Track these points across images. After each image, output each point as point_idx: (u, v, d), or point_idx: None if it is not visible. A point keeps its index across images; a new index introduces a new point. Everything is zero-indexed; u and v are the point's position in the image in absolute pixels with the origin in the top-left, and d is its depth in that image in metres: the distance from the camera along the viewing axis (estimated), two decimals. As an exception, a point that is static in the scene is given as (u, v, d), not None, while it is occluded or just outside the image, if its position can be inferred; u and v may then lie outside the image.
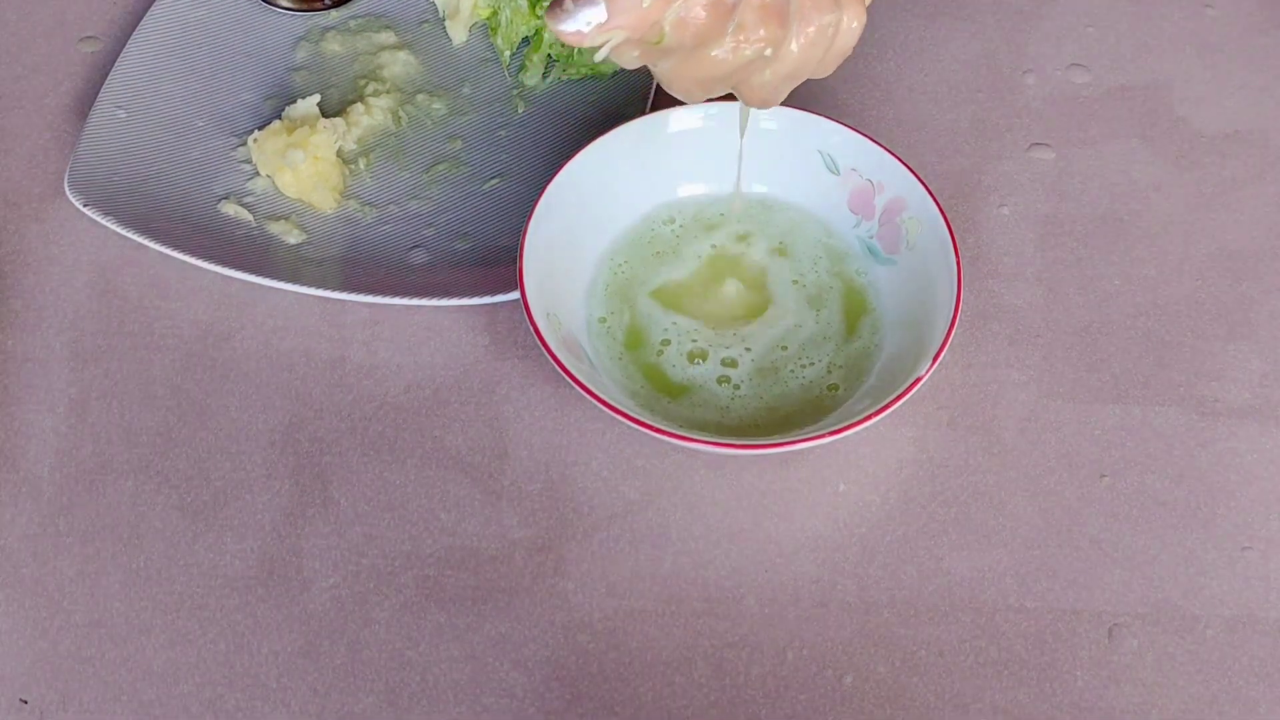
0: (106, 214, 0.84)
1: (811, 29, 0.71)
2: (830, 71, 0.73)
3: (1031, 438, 0.80)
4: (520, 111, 0.91)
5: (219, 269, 0.83)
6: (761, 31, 0.70)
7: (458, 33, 0.93)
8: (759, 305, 0.83)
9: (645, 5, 0.67)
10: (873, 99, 0.92)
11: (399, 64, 0.92)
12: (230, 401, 0.81)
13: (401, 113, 0.90)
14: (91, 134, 0.87)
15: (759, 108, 0.75)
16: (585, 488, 0.78)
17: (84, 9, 0.95)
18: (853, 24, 0.71)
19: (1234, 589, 0.76)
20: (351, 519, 0.77)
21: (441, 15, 0.94)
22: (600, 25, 0.67)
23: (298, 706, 0.72)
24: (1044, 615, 0.75)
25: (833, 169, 0.84)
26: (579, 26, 0.67)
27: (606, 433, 0.80)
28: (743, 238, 0.85)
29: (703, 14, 0.68)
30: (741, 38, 0.70)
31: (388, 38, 0.93)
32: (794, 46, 0.71)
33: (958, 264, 0.79)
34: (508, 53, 0.92)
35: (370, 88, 0.91)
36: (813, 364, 0.81)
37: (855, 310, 0.82)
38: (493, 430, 0.80)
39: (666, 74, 0.73)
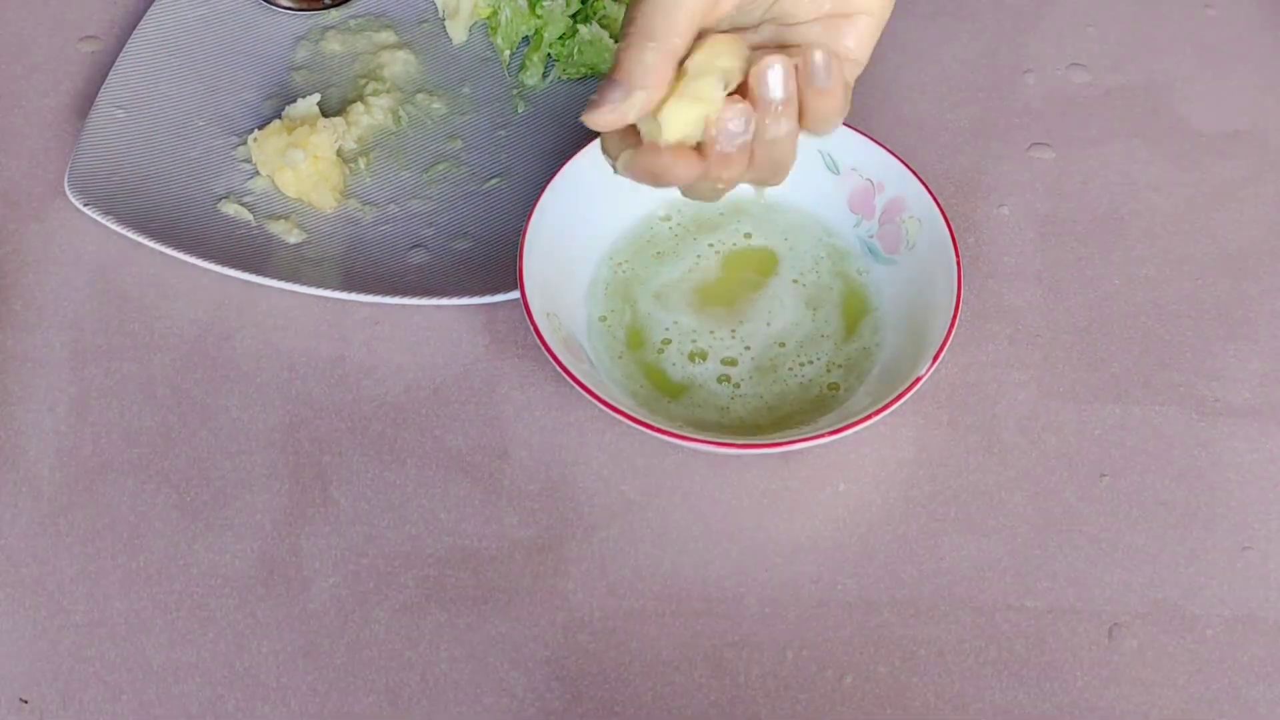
0: (106, 214, 0.84)
1: (776, 137, 0.71)
2: (831, 131, 0.73)
3: (1031, 437, 0.80)
4: (520, 111, 0.91)
5: (219, 268, 0.83)
6: (722, 173, 0.70)
7: (458, 32, 0.93)
8: (757, 295, 0.83)
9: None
10: (873, 99, 0.92)
11: (399, 63, 0.92)
12: (230, 401, 0.81)
13: (401, 112, 0.90)
14: (91, 134, 0.87)
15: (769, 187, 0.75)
16: (585, 487, 0.78)
17: (84, 9, 0.95)
18: (821, 101, 0.71)
19: (1234, 589, 0.76)
20: (351, 519, 0.77)
21: (441, 15, 0.94)
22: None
23: (298, 706, 0.73)
24: (1044, 615, 0.75)
25: (833, 169, 0.84)
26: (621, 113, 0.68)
27: (606, 432, 0.80)
28: (745, 237, 0.85)
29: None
30: (705, 176, 0.70)
31: (388, 37, 0.93)
32: (760, 159, 0.71)
33: (958, 264, 0.79)
34: (508, 52, 0.92)
35: (370, 87, 0.91)
36: (812, 363, 0.81)
37: (855, 310, 0.82)
38: (493, 430, 0.80)
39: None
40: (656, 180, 0.70)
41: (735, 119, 0.69)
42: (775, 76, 0.69)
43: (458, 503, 0.78)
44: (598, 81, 0.91)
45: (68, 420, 0.80)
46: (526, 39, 0.93)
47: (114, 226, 0.84)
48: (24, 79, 0.92)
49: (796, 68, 0.69)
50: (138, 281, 0.85)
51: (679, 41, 0.68)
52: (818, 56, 0.70)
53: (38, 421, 0.80)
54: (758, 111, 0.69)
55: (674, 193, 0.85)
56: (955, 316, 0.77)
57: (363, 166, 0.88)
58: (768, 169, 0.72)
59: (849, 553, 0.77)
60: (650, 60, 0.68)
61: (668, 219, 0.85)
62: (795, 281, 0.83)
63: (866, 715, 0.72)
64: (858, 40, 0.73)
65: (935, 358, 0.76)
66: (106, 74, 0.91)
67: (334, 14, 0.94)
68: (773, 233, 0.85)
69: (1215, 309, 0.84)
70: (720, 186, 0.71)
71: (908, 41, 0.94)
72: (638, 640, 0.74)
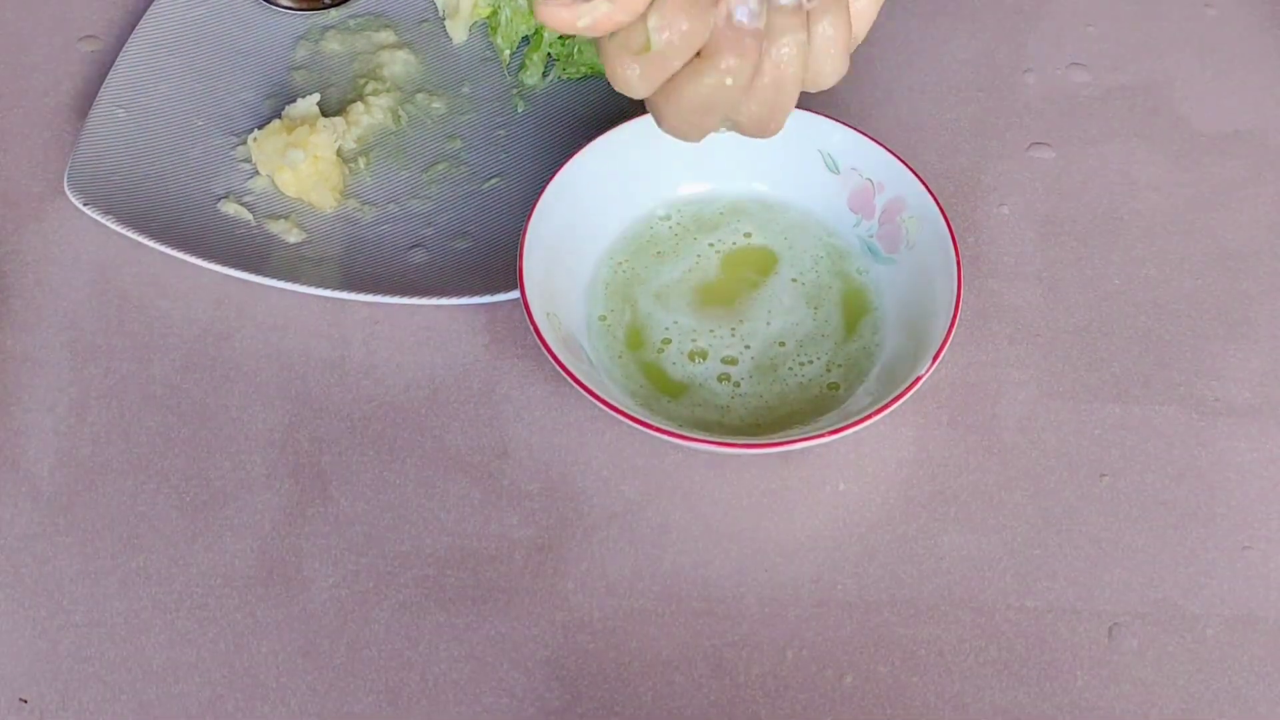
0: (106, 213, 0.84)
1: (784, 50, 0.70)
2: (829, 84, 0.72)
3: (1031, 437, 0.80)
4: (520, 111, 0.91)
5: (219, 268, 0.83)
6: (731, 61, 0.69)
7: (457, 32, 0.93)
8: (756, 294, 0.83)
9: None
10: (873, 99, 0.92)
11: (399, 63, 0.92)
12: (230, 401, 0.81)
13: (401, 112, 0.90)
14: (91, 133, 0.87)
15: (761, 138, 0.74)
16: (585, 487, 0.78)
17: (84, 9, 0.95)
18: (828, 31, 0.70)
19: (1234, 589, 0.76)
20: (351, 519, 0.77)
21: (441, 14, 0.94)
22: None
23: (298, 706, 0.73)
24: (1044, 615, 0.75)
25: (833, 168, 0.84)
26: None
27: (606, 432, 0.80)
28: (745, 236, 0.85)
29: (684, 21, 0.68)
30: (711, 64, 0.69)
31: (387, 37, 0.93)
32: (765, 77, 0.70)
33: (958, 263, 0.79)
34: (507, 52, 0.92)
35: (370, 87, 0.91)
36: (812, 362, 0.81)
37: (855, 310, 0.82)
38: (493, 430, 0.80)
39: (659, 107, 0.72)
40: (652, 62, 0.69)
41: (750, 2, 0.68)
42: None
43: (457, 502, 0.78)
44: (598, 82, 0.91)
45: (68, 420, 0.80)
46: (526, 39, 0.93)
47: (114, 226, 0.84)
48: (24, 79, 0.92)
49: None
50: (138, 281, 0.85)
51: None
52: None
53: (38, 421, 0.80)
54: (770, 14, 0.68)
55: (675, 192, 0.86)
56: (955, 316, 0.77)
57: (362, 166, 0.88)
58: (770, 94, 0.70)
59: (849, 553, 0.77)
60: None
61: (668, 219, 0.85)
62: (795, 281, 0.83)
63: (866, 715, 0.72)
64: (855, 13, 0.72)
65: (935, 358, 0.76)
66: (106, 74, 0.91)
67: (334, 14, 0.94)
68: (772, 232, 0.85)
69: (1215, 309, 0.84)
70: (729, 83, 0.69)
71: (908, 41, 0.94)
72: (638, 640, 0.74)
